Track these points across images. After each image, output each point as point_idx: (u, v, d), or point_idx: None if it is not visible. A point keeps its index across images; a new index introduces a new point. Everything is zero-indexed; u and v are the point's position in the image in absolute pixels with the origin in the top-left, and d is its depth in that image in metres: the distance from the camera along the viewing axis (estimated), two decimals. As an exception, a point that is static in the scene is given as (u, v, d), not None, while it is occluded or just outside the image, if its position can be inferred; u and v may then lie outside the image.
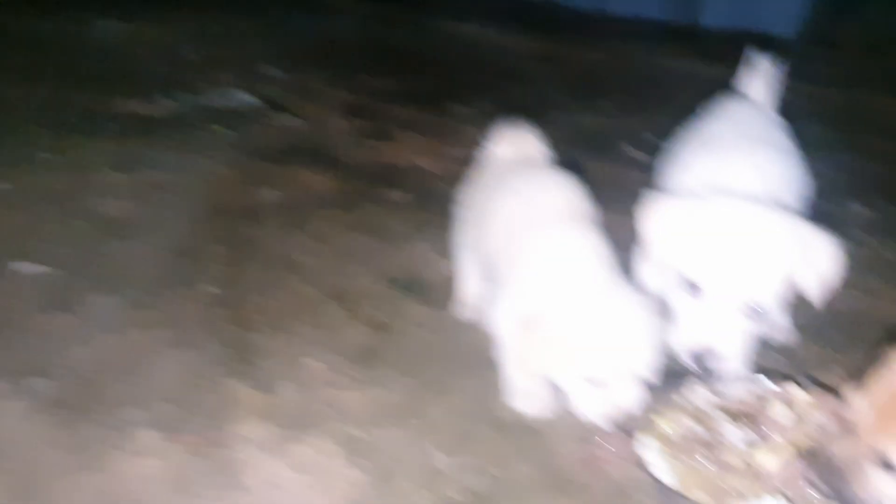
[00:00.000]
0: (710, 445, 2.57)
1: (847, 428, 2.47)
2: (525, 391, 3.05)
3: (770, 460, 2.47)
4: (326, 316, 3.65)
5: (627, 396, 2.70)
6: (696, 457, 2.56)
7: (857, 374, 3.35)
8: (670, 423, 2.72)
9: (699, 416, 2.70)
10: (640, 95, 6.93)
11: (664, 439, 2.65)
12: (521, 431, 2.94)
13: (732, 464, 2.50)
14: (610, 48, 8.94)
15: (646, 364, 2.66)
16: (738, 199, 2.72)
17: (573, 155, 5.65)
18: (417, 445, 2.84)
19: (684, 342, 2.70)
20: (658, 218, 2.74)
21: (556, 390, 2.96)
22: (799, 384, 2.82)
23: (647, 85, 7.27)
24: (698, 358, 2.67)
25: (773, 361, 3.40)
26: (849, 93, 7.80)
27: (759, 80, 3.50)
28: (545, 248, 2.96)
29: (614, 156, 5.52)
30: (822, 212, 2.76)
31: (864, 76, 8.40)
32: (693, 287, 2.69)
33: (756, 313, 2.65)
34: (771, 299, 2.64)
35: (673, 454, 2.57)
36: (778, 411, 2.65)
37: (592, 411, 2.74)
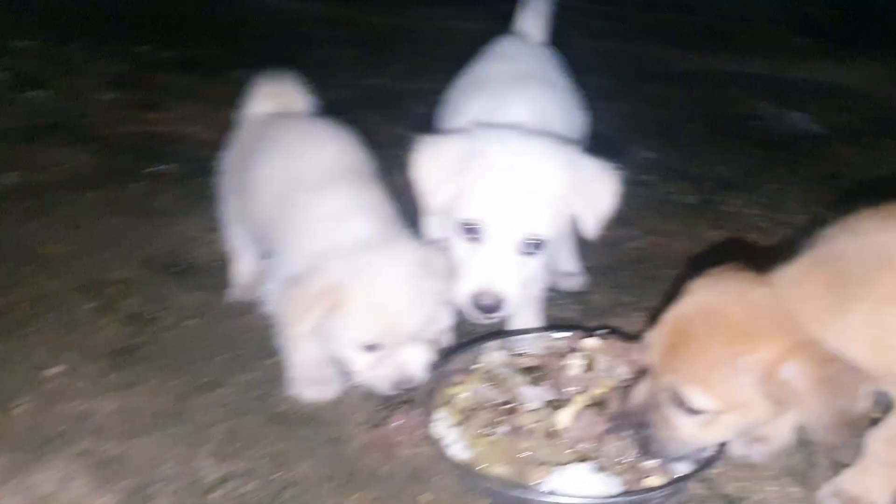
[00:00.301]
0: (510, 412, 2.35)
1: (643, 372, 2.34)
2: (308, 376, 2.73)
3: (569, 418, 2.28)
4: (75, 314, 3.13)
5: (412, 362, 2.48)
6: (494, 427, 2.33)
7: (652, 316, 3.35)
8: (465, 393, 2.48)
9: (496, 381, 2.48)
10: (431, 57, 6.73)
11: (459, 411, 2.41)
12: (304, 423, 2.62)
13: (533, 429, 2.30)
14: (400, 12, 8.77)
15: (423, 324, 2.45)
16: (507, 133, 2.51)
17: (362, 116, 5.45)
18: (182, 456, 2.44)
19: (464, 289, 2.46)
20: (424, 160, 2.48)
21: (341, 370, 2.66)
22: (594, 333, 2.67)
23: (438, 46, 7.09)
24: (479, 304, 2.43)
25: (566, 310, 3.29)
26: (628, 45, 8.03)
27: (533, 18, 3.31)
28: (316, 207, 2.65)
29: (403, 117, 5.27)
30: (605, 156, 2.61)
31: (641, 29, 8.71)
32: (468, 229, 2.45)
33: (535, 249, 2.45)
34: (548, 233, 2.44)
35: (469, 427, 2.33)
36: (574, 364, 2.47)
37: (375, 382, 2.51)
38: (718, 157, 5.10)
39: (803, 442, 2.42)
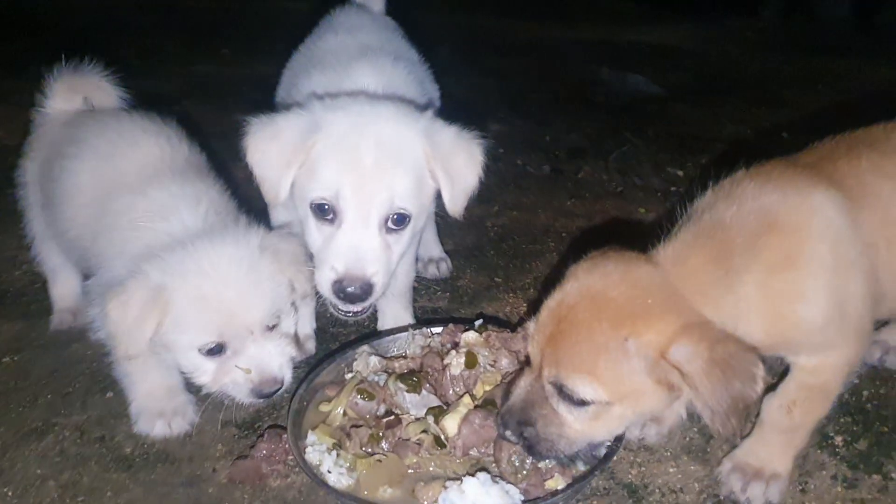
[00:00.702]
0: (391, 425, 2.10)
1: (524, 363, 2.16)
2: (155, 408, 2.39)
3: (455, 424, 2.07)
4: None
5: (268, 360, 2.18)
6: (376, 445, 2.08)
7: (526, 298, 3.21)
8: (338, 409, 2.21)
9: (372, 391, 2.22)
10: (263, 39, 6.32)
11: (334, 432, 2.14)
12: (155, 464, 2.28)
13: (420, 441, 2.07)
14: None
15: (268, 313, 2.15)
16: (352, 100, 2.23)
17: (191, 107, 5.00)
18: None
19: (325, 277, 2.18)
20: (260, 144, 2.19)
21: (194, 397, 2.34)
22: (471, 325, 2.47)
23: (269, 28, 6.68)
24: (344, 291, 2.15)
25: (435, 299, 3.09)
26: (464, 18, 7.90)
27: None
28: (137, 208, 2.29)
29: (236, 104, 4.87)
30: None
31: (475, 1, 8.61)
32: (321, 209, 2.17)
33: (401, 225, 2.20)
34: (413, 205, 2.18)
35: (347, 448, 2.06)
36: (455, 363, 2.26)
37: (232, 390, 2.19)
38: (566, 125, 5.05)
39: (694, 416, 2.32)
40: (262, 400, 2.22)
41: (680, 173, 4.32)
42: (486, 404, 2.13)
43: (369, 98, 2.23)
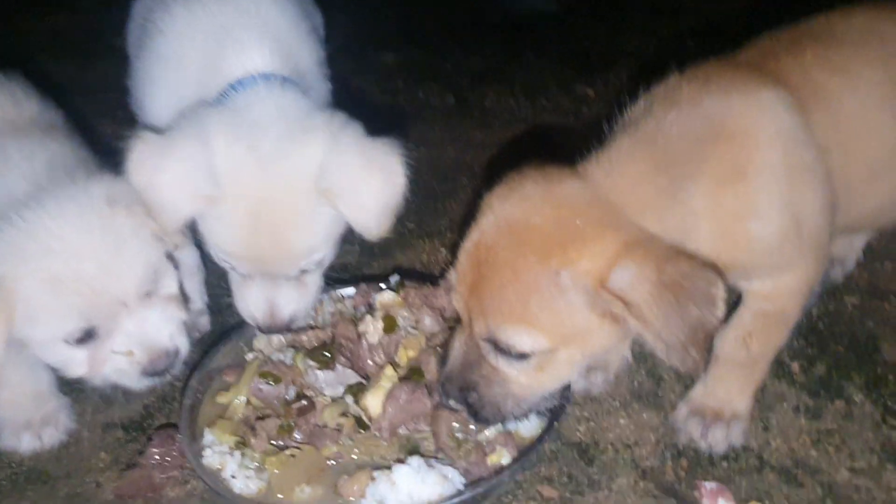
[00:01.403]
0: (303, 411, 1.80)
1: (451, 319, 1.89)
2: (20, 419, 2.03)
3: (379, 402, 1.78)
4: None
5: (153, 330, 1.83)
6: (287, 436, 1.78)
7: (443, 243, 2.92)
8: (239, 397, 1.89)
9: (277, 372, 1.90)
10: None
11: (235, 427, 1.82)
12: (28, 484, 1.92)
13: (339, 426, 1.78)
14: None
15: (141, 277, 1.79)
16: (244, 141, 1.76)
17: (43, 61, 4.42)
18: None
19: (246, 313, 1.97)
20: (148, 173, 1.77)
21: (68, 400, 1.99)
22: (385, 283, 2.17)
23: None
24: (269, 329, 1.97)
25: (341, 254, 2.75)
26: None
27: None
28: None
29: (97, 54, 4.34)
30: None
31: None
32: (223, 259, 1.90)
33: (314, 267, 1.95)
34: (324, 251, 1.91)
35: (253, 445, 1.75)
36: (371, 329, 1.95)
37: (119, 377, 1.84)
38: (465, 51, 4.71)
39: (639, 357, 2.11)
40: (158, 379, 1.87)
41: (590, 92, 4.06)
42: (412, 374, 1.85)
43: (262, 123, 1.79)
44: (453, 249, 2.82)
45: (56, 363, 1.83)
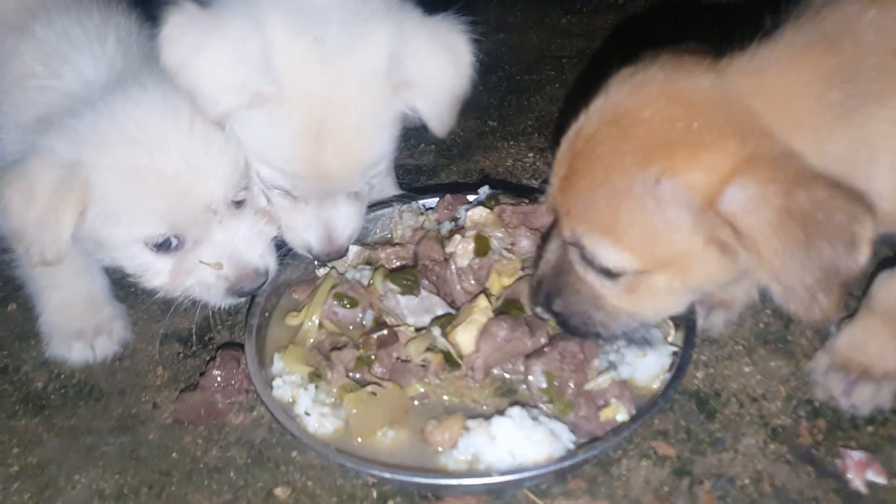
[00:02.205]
0: (383, 342, 1.56)
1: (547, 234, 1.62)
2: (72, 326, 1.85)
3: (471, 338, 1.54)
4: None
5: (245, 245, 1.64)
6: (365, 371, 1.56)
7: (530, 145, 2.61)
8: (311, 320, 1.67)
9: (354, 295, 1.67)
10: None
11: (308, 355, 1.61)
12: (74, 400, 1.77)
13: (425, 363, 1.55)
14: None
15: (232, 180, 1.57)
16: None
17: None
18: None
19: (295, 243, 1.72)
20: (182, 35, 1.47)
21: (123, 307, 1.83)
22: (474, 196, 1.90)
23: None
24: (320, 256, 1.72)
25: (419, 154, 2.49)
26: None
27: None
28: (16, 56, 1.67)
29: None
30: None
31: None
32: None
33: (372, 178, 1.69)
34: (386, 156, 1.64)
35: (329, 378, 1.54)
36: (461, 251, 1.69)
37: (200, 293, 1.66)
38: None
39: (765, 293, 1.82)
40: (243, 299, 1.69)
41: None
42: (508, 306, 1.59)
43: (318, 3, 1.49)
44: (542, 154, 2.54)
45: (133, 269, 1.63)
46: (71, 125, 1.51)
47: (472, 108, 2.70)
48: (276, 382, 1.56)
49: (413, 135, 2.52)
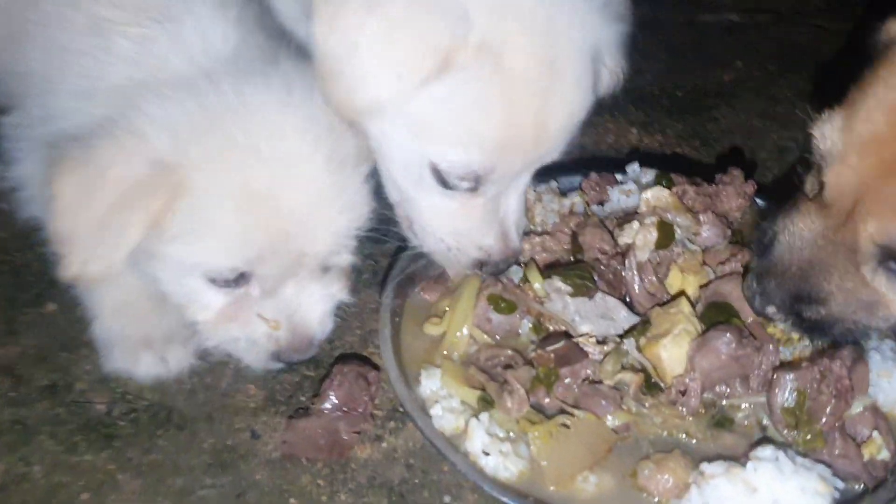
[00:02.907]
0: (569, 357, 1.24)
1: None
2: (137, 334, 1.46)
3: (679, 352, 1.22)
4: None
5: (310, 310, 1.33)
6: (544, 396, 1.23)
7: (636, 129, 2.29)
8: (462, 329, 1.33)
9: (510, 298, 1.34)
10: None
11: (461, 372, 1.27)
12: (149, 428, 1.40)
13: (621, 384, 1.23)
14: None
15: (342, 238, 1.27)
16: None
17: None
18: None
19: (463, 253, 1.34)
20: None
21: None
22: (622, 176, 1.59)
23: None
24: (494, 270, 1.36)
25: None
26: None
27: None
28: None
29: None
30: None
31: None
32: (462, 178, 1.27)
33: None
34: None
35: (506, 407, 1.20)
36: (638, 240, 1.37)
37: (237, 347, 1.34)
38: None
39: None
40: (284, 366, 1.38)
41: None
42: (716, 313, 1.28)
43: None
44: (645, 129, 2.23)
45: (177, 294, 1.30)
46: (170, 107, 1.17)
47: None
48: (435, 411, 1.22)
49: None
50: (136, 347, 1.46)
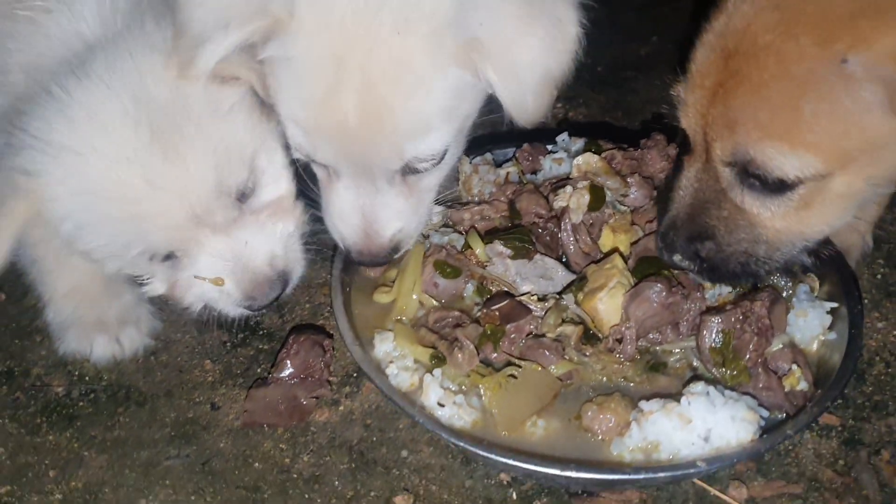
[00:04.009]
0: (513, 314, 1.32)
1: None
2: (91, 315, 1.51)
3: (614, 304, 1.31)
4: None
5: (255, 249, 1.33)
6: (494, 348, 1.31)
7: (561, 103, 2.37)
8: (410, 296, 1.40)
9: (454, 263, 1.41)
10: None
11: (412, 334, 1.34)
12: (110, 407, 1.44)
13: (562, 336, 1.32)
14: None
15: (221, 194, 1.26)
16: None
17: None
18: None
19: (338, 235, 1.40)
20: None
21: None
22: (552, 146, 1.68)
23: None
24: (359, 260, 1.40)
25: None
26: None
27: None
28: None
29: None
30: None
31: None
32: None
33: (431, 164, 1.32)
34: (437, 145, 1.28)
35: (458, 362, 1.28)
36: (572, 203, 1.46)
37: (209, 302, 1.36)
38: None
39: (877, 241, 1.69)
40: (262, 311, 1.40)
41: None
42: (646, 266, 1.37)
43: None
44: (570, 102, 2.32)
45: (133, 276, 1.34)
46: (27, 109, 1.21)
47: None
48: (391, 370, 1.29)
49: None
50: (89, 330, 1.50)
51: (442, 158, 1.32)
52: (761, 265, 1.25)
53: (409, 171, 1.31)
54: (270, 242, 1.35)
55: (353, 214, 1.34)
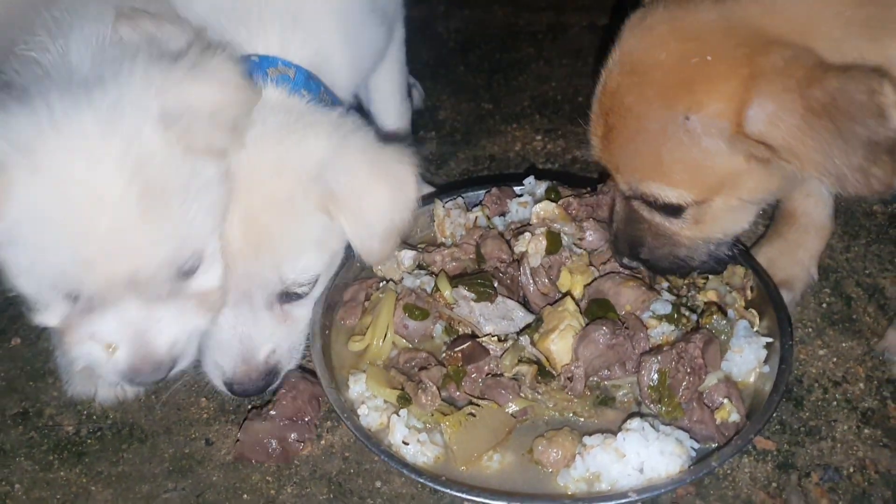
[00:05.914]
0: (474, 356, 1.46)
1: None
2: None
3: (565, 345, 1.45)
4: None
5: (145, 338, 1.32)
6: (457, 388, 1.45)
7: (535, 128, 2.50)
8: (379, 339, 1.54)
9: (423, 306, 1.55)
10: None
11: (384, 375, 1.48)
12: (115, 443, 1.59)
13: (519, 375, 1.46)
14: None
15: (176, 259, 1.28)
16: None
17: None
18: None
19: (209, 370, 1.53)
20: None
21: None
22: (520, 188, 1.81)
23: None
24: (233, 391, 1.51)
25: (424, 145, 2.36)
26: None
27: None
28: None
29: None
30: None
31: None
32: None
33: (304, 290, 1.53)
34: (312, 271, 1.49)
35: (421, 402, 1.42)
36: (530, 249, 1.60)
37: (84, 357, 1.34)
38: None
39: (822, 272, 1.81)
40: (139, 388, 1.53)
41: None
42: (598, 309, 1.51)
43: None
44: (550, 135, 2.45)
45: (28, 297, 1.29)
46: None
47: (462, 90, 2.62)
48: (362, 410, 1.43)
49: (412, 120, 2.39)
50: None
51: (314, 286, 1.51)
52: (689, 261, 1.48)
53: (286, 297, 1.48)
54: (182, 330, 1.34)
55: (232, 341, 1.46)
